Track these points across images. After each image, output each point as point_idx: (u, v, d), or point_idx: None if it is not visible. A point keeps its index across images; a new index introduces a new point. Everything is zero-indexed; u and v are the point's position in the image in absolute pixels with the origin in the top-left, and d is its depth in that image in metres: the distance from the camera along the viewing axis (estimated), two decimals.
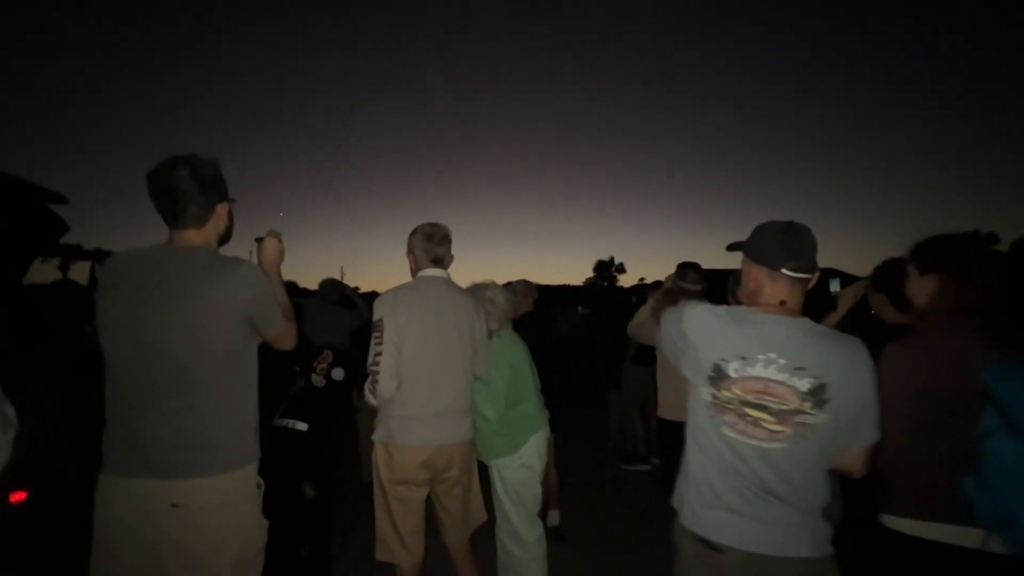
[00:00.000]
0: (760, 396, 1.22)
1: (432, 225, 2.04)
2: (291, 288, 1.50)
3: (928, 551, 1.23)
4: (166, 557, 1.33)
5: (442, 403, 1.91)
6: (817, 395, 1.19)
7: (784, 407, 1.20)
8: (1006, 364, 1.12)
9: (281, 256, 1.63)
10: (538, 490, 2.30)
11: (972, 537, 1.18)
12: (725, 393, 1.27)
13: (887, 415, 1.24)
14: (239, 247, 1.61)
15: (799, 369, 1.20)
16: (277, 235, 1.64)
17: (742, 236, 1.37)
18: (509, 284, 3.23)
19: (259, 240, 1.64)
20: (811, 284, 1.30)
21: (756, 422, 1.23)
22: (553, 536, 3.04)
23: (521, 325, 2.79)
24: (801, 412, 1.19)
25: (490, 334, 2.22)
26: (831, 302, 1.96)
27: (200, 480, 1.33)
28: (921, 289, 1.37)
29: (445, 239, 2.03)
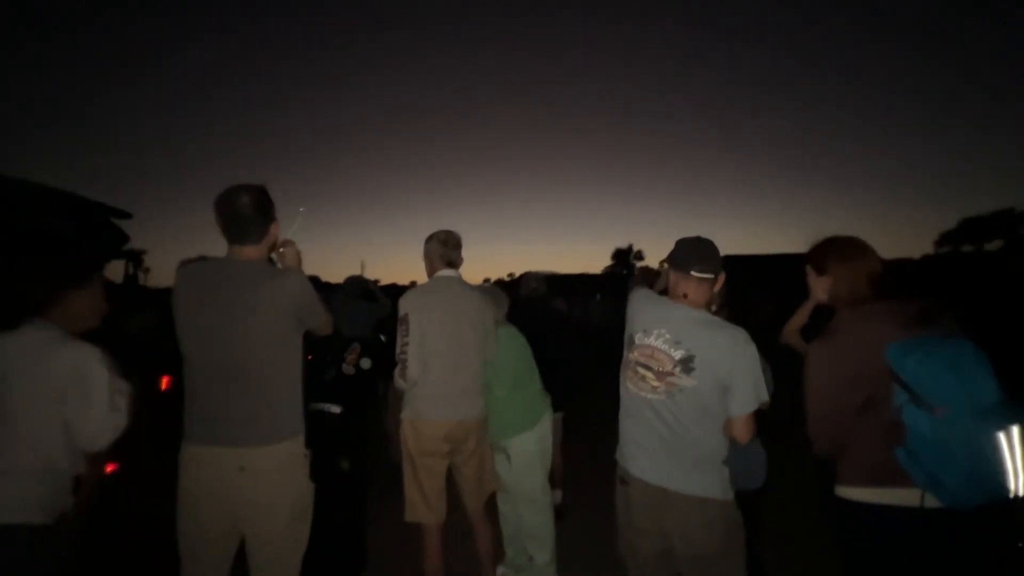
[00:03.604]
0: (648, 359, 1.62)
1: (446, 232, 2.33)
2: (314, 283, 1.73)
3: (875, 513, 1.37)
4: (237, 509, 1.64)
5: (460, 385, 2.21)
6: (686, 363, 1.57)
7: (662, 369, 1.60)
8: (904, 343, 1.27)
9: (299, 261, 1.86)
10: (551, 459, 2.61)
11: (912, 497, 1.32)
12: (630, 355, 1.70)
13: (824, 404, 1.44)
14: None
15: (677, 342, 1.59)
16: (292, 244, 1.85)
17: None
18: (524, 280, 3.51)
19: (279, 249, 1.83)
20: (717, 285, 1.67)
21: (643, 378, 1.62)
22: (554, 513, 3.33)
23: (531, 315, 3.04)
24: (672, 375, 1.58)
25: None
26: None
27: (261, 449, 1.63)
28: (821, 287, 1.56)
29: (457, 245, 2.32)
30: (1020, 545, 1.23)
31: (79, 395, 1.41)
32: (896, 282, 1.48)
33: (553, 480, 3.43)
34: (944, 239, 43.18)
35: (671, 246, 1.71)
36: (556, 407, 3.24)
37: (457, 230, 2.35)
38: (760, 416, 2.08)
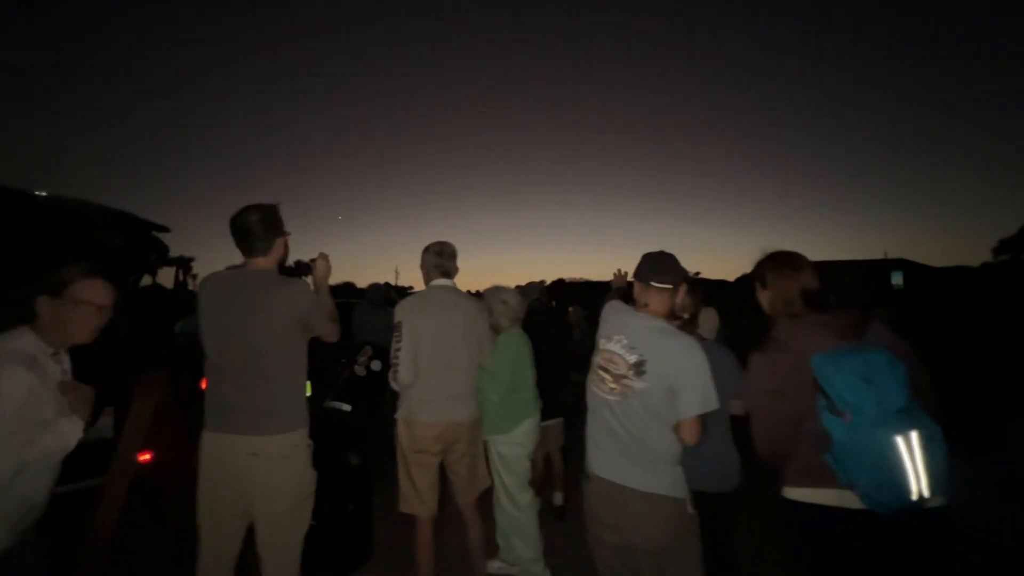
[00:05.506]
0: (607, 362, 1.75)
1: (440, 244, 2.50)
2: (348, 288, 1.93)
3: (812, 511, 1.48)
4: (248, 491, 1.85)
5: (451, 388, 2.37)
6: (638, 367, 1.68)
7: (618, 372, 1.72)
8: (826, 353, 1.36)
9: (329, 272, 2.11)
10: (527, 463, 2.71)
11: (833, 497, 1.42)
12: (595, 360, 1.84)
13: (760, 412, 1.55)
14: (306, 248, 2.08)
15: (632, 348, 1.71)
16: (325, 257, 2.12)
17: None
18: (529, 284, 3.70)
19: (312, 261, 2.11)
20: (679, 296, 1.78)
21: (603, 380, 1.75)
22: (555, 514, 3.48)
23: (529, 324, 3.19)
24: (627, 377, 1.70)
25: (503, 329, 2.64)
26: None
27: (269, 437, 1.84)
28: (764, 300, 1.69)
29: (452, 255, 2.49)
30: None
31: None
32: (846, 295, 1.57)
33: (554, 483, 3.58)
34: (1003, 246, 40.45)
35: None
36: (556, 413, 3.39)
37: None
38: (737, 421, 2.17)
